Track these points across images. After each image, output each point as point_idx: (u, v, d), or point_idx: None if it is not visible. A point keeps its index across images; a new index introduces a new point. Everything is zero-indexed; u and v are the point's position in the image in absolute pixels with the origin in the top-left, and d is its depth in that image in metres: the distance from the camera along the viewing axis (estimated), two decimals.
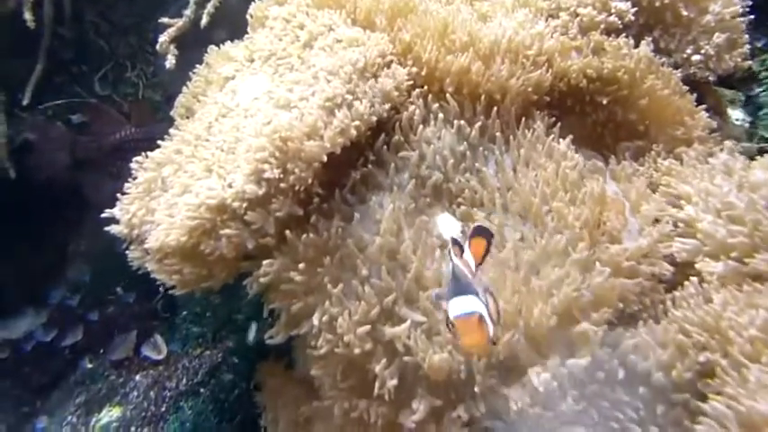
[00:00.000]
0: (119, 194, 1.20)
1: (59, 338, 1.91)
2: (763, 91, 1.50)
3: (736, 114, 1.50)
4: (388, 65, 1.08)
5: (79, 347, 1.93)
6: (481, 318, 0.76)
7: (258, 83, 1.15)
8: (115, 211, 1.20)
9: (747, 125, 1.51)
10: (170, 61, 1.76)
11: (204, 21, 1.72)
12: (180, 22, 1.76)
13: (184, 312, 1.92)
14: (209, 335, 1.77)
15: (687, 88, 1.24)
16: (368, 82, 1.03)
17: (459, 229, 1.05)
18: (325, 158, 0.96)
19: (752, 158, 1.27)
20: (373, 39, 1.08)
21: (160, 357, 1.77)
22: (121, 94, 2.12)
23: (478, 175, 1.06)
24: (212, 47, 1.39)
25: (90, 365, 1.83)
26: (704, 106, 1.24)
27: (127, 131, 1.77)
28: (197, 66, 1.42)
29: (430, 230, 1.02)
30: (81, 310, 2.07)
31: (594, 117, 1.24)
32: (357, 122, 0.99)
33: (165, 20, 1.78)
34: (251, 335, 1.60)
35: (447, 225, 1.05)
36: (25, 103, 1.80)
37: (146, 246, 1.08)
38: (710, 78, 1.33)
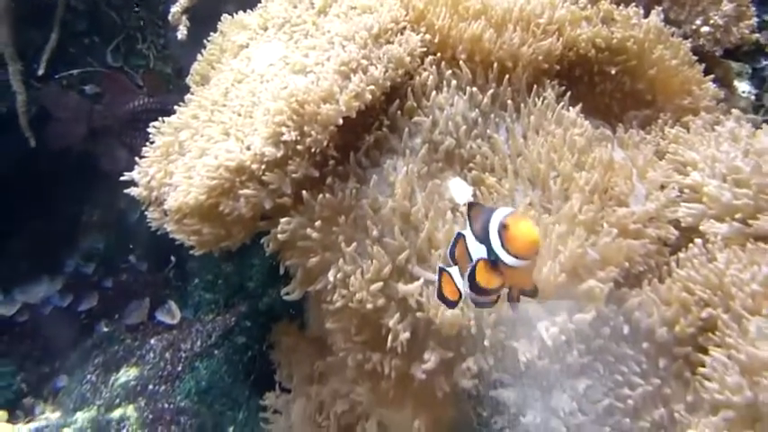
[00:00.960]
0: (136, 159, 1.22)
1: (75, 304, 1.95)
2: None
3: (743, 87, 1.50)
4: (402, 31, 1.09)
5: (95, 312, 1.97)
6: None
7: (273, 49, 1.16)
8: (134, 174, 1.22)
9: (753, 97, 1.51)
10: (181, 32, 1.76)
11: None
12: None
13: (196, 280, 1.95)
14: (222, 301, 1.81)
15: (696, 58, 1.25)
16: (382, 48, 1.04)
17: (470, 193, 1.08)
18: (340, 122, 0.98)
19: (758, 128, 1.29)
20: (386, 5, 1.09)
21: (174, 322, 1.81)
22: (133, 65, 2.13)
23: (490, 142, 1.08)
24: (226, 15, 1.39)
25: (106, 329, 1.88)
26: (712, 77, 1.24)
27: (141, 101, 1.78)
28: (207, 38, 1.43)
29: (442, 194, 1.03)
30: (95, 278, 2.11)
31: (603, 87, 1.24)
32: (372, 87, 1.00)
33: None
34: None
35: (458, 189, 1.07)
36: (40, 73, 1.80)
37: (165, 206, 1.11)
38: (718, 52, 1.34)
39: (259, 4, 1.35)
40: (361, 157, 1.03)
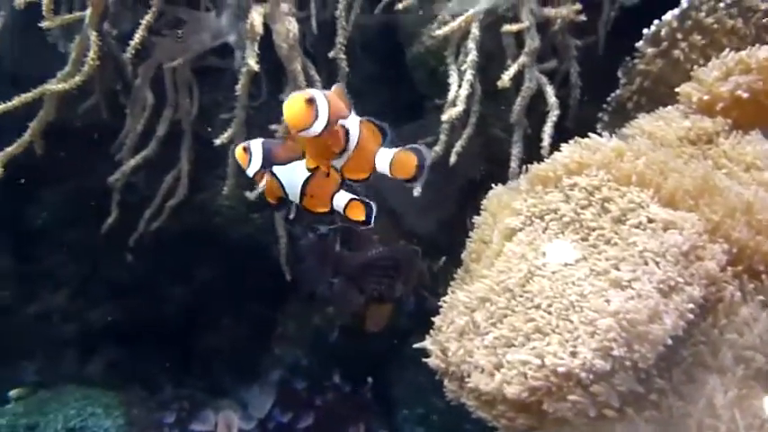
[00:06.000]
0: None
1: (294, 421, 2.09)
2: None
3: None
4: (704, 246, 1.14)
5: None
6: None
7: (565, 248, 1.26)
8: (426, 344, 1.33)
9: None
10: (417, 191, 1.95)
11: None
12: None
13: (405, 411, 2.02)
14: None
15: None
16: (693, 264, 1.10)
17: None
18: (669, 342, 1.03)
19: None
20: (689, 221, 1.15)
21: None
22: None
23: None
24: (492, 194, 1.53)
25: None
26: None
27: (376, 250, 1.95)
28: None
29: (757, 414, 1.03)
30: (305, 395, 2.25)
31: None
32: (691, 305, 1.05)
33: None
34: None
35: None
36: (291, 217, 2.05)
37: (470, 386, 1.19)
38: None
39: (523, 182, 1.47)
40: (680, 374, 1.06)
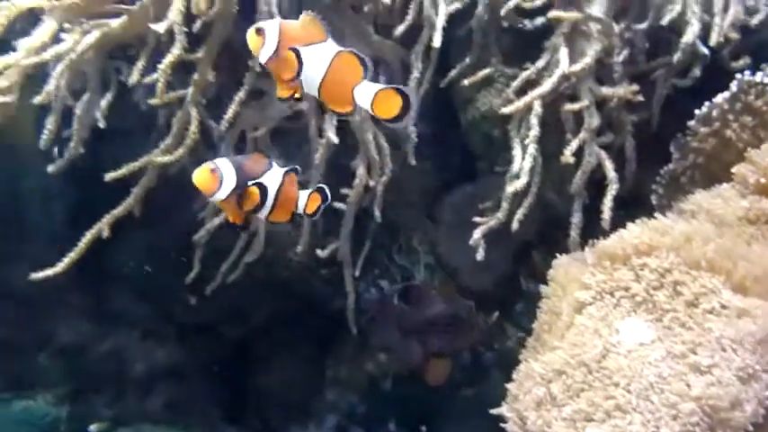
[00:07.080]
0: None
1: None
2: None
3: None
4: None
5: None
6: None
7: (640, 327, 1.33)
8: (503, 411, 1.39)
9: None
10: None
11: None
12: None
13: None
14: None
15: None
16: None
17: None
18: (750, 428, 1.08)
19: None
20: (761, 309, 1.22)
21: None
22: (412, 262, 2.45)
23: None
24: (558, 264, 1.60)
25: None
26: None
27: (438, 308, 2.03)
28: None
29: None
30: None
31: None
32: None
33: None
34: None
35: None
36: (357, 274, 2.14)
37: None
38: None
39: (589, 256, 1.54)
40: None
